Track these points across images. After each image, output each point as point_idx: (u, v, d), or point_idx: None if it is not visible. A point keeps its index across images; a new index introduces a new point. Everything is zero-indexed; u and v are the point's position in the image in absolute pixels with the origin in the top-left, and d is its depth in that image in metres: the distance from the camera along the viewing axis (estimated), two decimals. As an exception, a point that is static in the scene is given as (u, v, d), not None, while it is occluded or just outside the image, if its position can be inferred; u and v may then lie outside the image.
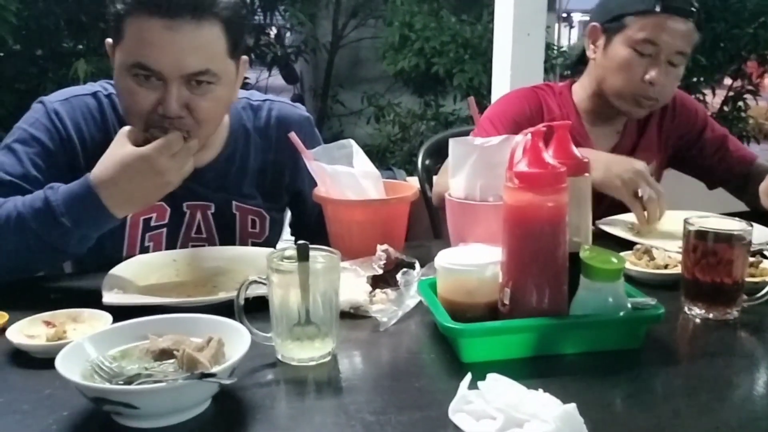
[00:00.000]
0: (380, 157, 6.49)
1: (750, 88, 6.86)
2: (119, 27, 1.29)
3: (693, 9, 1.67)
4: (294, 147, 1.40)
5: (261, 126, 1.56)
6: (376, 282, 1.21)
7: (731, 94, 6.93)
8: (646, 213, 1.55)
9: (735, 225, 1.16)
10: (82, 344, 0.88)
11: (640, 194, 1.54)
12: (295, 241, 1.72)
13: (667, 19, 1.65)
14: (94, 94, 1.45)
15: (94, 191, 1.21)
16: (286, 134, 1.43)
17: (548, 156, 1.00)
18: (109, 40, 1.36)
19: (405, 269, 1.20)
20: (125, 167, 1.21)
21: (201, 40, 1.27)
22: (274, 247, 1.60)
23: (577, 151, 1.08)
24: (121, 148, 1.23)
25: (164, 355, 0.88)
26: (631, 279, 1.27)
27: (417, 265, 1.22)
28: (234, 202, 1.52)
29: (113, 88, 1.46)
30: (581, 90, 1.86)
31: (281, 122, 1.57)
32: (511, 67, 2.79)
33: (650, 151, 1.87)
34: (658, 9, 1.65)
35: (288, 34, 7.77)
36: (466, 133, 1.72)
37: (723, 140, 1.91)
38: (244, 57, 1.41)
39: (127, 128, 1.27)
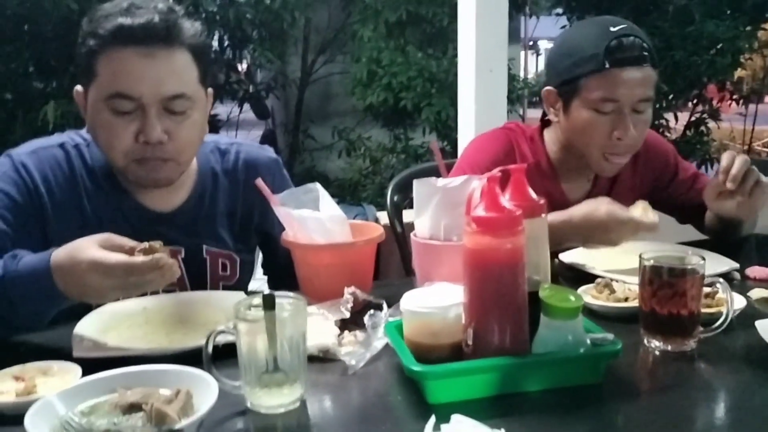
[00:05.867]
0: (352, 190, 6.52)
1: (711, 112, 7.04)
2: (92, 65, 1.33)
3: (645, 53, 1.61)
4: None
5: (229, 169, 1.58)
6: (345, 324, 1.23)
7: (693, 118, 7.09)
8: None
9: (689, 259, 1.20)
10: (51, 401, 0.89)
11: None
12: (268, 280, 1.76)
13: (621, 73, 1.59)
14: (62, 146, 1.46)
15: (50, 271, 1.16)
16: (253, 177, 1.46)
17: (504, 200, 1.03)
18: (79, 88, 1.39)
19: (372, 311, 1.22)
20: (81, 265, 1.14)
21: (175, 66, 1.34)
22: (246, 288, 1.62)
23: (533, 194, 1.12)
24: (90, 246, 1.15)
25: (133, 408, 0.89)
26: (592, 312, 1.30)
27: (384, 306, 1.24)
28: (204, 246, 1.53)
29: (80, 138, 1.48)
30: (551, 143, 1.82)
31: (249, 165, 1.60)
32: (475, 102, 2.86)
33: (624, 196, 1.80)
34: (608, 66, 1.59)
35: (258, 70, 7.83)
36: (435, 168, 1.75)
37: (694, 180, 1.91)
38: (210, 89, 1.47)
39: (109, 236, 1.19)
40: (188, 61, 1.36)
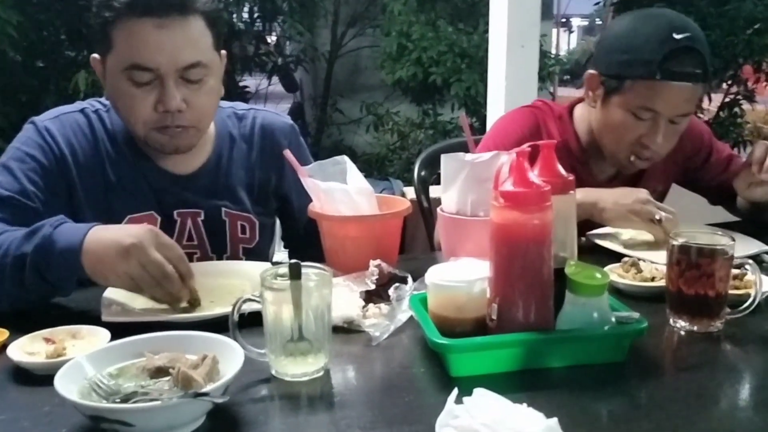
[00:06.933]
0: (379, 165, 6.51)
1: (746, 93, 6.89)
2: (107, 36, 1.35)
3: (699, 71, 1.53)
4: (280, 154, 1.43)
5: (246, 133, 1.61)
6: (370, 296, 1.24)
7: (727, 99, 6.96)
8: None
9: (718, 239, 1.18)
10: (81, 362, 0.91)
11: (657, 218, 1.53)
12: (289, 252, 1.77)
13: (669, 86, 1.53)
14: (82, 111, 1.50)
15: (87, 231, 1.19)
16: (270, 142, 1.52)
17: (533, 175, 1.02)
18: (96, 56, 1.42)
19: (397, 284, 1.22)
20: (136, 228, 1.20)
21: (190, 35, 1.35)
22: (265, 252, 1.65)
23: (563, 170, 1.11)
24: (140, 228, 1.19)
25: (160, 372, 0.91)
26: (619, 291, 1.30)
27: (409, 279, 1.25)
28: (223, 209, 1.56)
29: (100, 104, 1.51)
30: (581, 122, 1.77)
31: (265, 129, 1.62)
32: (505, 78, 2.83)
33: (655, 179, 1.82)
34: (659, 77, 1.52)
35: (287, 43, 7.82)
36: (462, 144, 1.74)
37: (728, 162, 1.88)
38: (224, 51, 1.49)
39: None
40: (202, 28, 1.37)
